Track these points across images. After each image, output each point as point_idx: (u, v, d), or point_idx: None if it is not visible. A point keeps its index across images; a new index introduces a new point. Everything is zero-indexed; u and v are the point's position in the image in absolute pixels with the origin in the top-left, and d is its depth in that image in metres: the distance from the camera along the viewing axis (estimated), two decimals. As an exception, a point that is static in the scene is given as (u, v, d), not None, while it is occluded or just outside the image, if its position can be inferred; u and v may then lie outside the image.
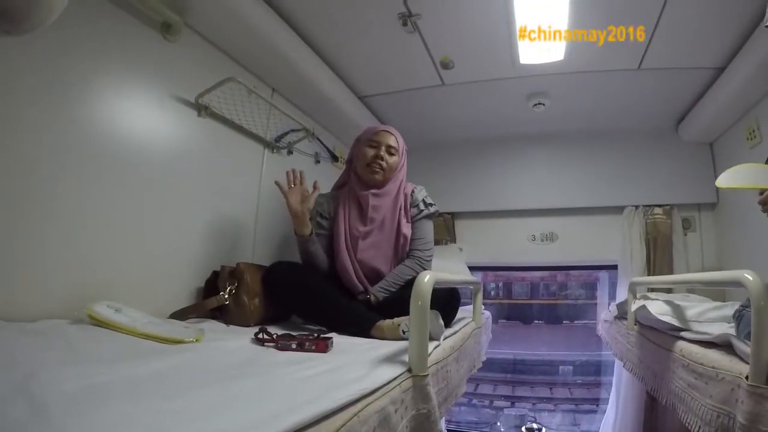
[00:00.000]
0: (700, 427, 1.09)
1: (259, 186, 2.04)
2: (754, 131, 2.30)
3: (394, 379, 0.86)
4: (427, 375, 0.95)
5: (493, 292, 10.26)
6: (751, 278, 0.93)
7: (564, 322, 10.43)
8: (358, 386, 0.74)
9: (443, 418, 3.07)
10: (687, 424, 1.20)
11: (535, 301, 10.68)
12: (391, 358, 0.98)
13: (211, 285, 1.66)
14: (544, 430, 2.70)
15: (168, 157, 1.57)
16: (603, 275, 3.41)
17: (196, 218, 1.69)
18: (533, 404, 7.00)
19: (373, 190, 1.83)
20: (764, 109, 2.21)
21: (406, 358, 0.97)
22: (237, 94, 1.76)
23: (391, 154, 1.84)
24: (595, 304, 2.67)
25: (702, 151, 2.93)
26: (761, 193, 1.28)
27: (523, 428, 2.74)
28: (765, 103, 2.19)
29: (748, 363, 0.91)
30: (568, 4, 1.82)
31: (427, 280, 0.95)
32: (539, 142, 3.19)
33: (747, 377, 0.89)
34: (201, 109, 1.67)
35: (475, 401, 7.11)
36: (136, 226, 1.43)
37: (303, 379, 0.80)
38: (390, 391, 0.81)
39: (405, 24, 1.92)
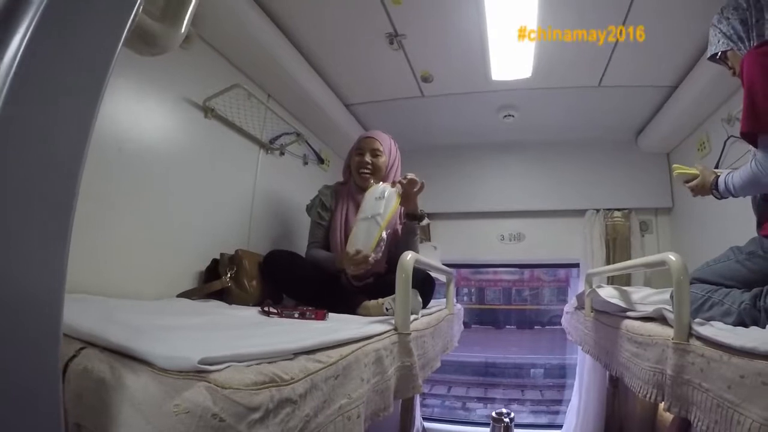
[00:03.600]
0: (641, 386, 1.29)
1: (254, 183, 2.21)
2: (704, 143, 2.56)
3: (385, 332, 1.07)
4: (410, 333, 1.16)
5: (466, 298, 10.48)
6: (673, 258, 1.15)
7: (535, 326, 10.64)
8: (359, 332, 0.94)
9: (420, 411, 3.26)
10: (632, 388, 1.40)
11: (507, 306, 10.89)
12: (380, 322, 1.18)
13: (212, 272, 1.80)
14: (512, 414, 2.90)
15: (177, 154, 1.72)
16: (574, 281, 3.63)
17: (199, 210, 1.83)
18: (505, 405, 7.18)
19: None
20: (713, 123, 2.44)
21: (392, 321, 1.17)
22: (239, 99, 1.94)
23: (377, 156, 1.98)
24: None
25: (659, 161, 3.21)
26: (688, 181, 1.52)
27: (493, 413, 2.94)
28: (713, 118, 2.43)
29: (674, 327, 1.12)
30: (535, 25, 2.02)
31: (409, 258, 1.20)
32: (509, 150, 3.42)
33: (672, 338, 1.09)
34: (207, 111, 1.84)
35: (447, 403, 7.28)
36: (145, 216, 1.56)
37: (314, 329, 1.00)
38: (382, 340, 1.02)
39: (391, 42, 2.13)
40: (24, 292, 0.39)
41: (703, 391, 0.97)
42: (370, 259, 1.68)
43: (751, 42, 1.28)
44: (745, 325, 1.12)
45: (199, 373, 0.51)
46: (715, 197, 1.45)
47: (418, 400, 3.16)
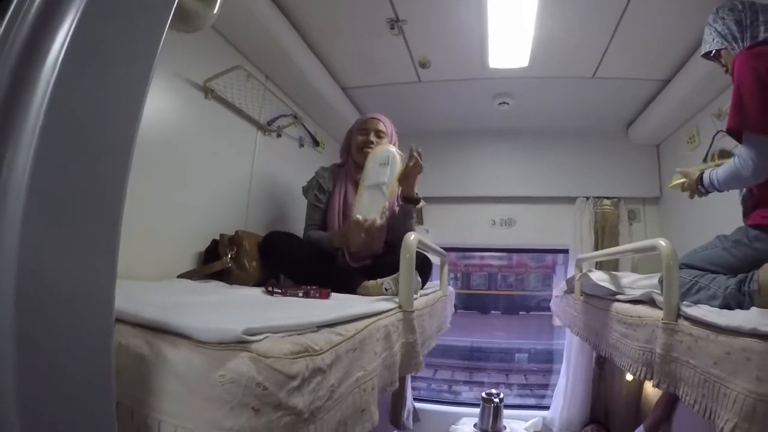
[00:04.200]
0: (630, 365, 1.37)
1: (252, 164, 2.21)
2: (694, 136, 2.62)
3: (391, 309, 1.11)
4: (413, 311, 1.20)
5: (452, 282, 10.51)
6: (663, 244, 1.21)
7: (521, 312, 10.73)
8: (369, 308, 0.98)
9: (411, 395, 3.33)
10: (621, 367, 1.48)
11: (493, 291, 10.97)
12: (385, 300, 1.22)
13: (212, 252, 1.81)
14: (502, 395, 2.98)
15: (177, 133, 1.71)
16: (560, 268, 3.71)
17: (198, 191, 1.83)
18: (492, 387, 7.26)
19: None
20: (703, 117, 2.49)
21: (396, 299, 1.22)
22: (239, 80, 1.94)
23: (380, 137, 2.00)
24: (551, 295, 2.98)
25: (649, 152, 3.28)
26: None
27: (483, 394, 3.01)
28: (704, 112, 2.48)
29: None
30: (535, 16, 2.06)
31: (413, 238, 1.24)
32: (503, 137, 3.46)
33: (662, 318, 1.16)
34: (208, 92, 1.83)
35: (434, 386, 7.38)
36: (145, 196, 1.54)
37: (325, 306, 1.03)
38: (389, 317, 1.06)
39: (392, 28, 2.14)
40: (88, 281, 0.42)
41: (690, 368, 1.03)
42: (377, 223, 1.71)
43: (745, 42, 1.33)
44: (730, 308, 1.17)
45: (240, 343, 0.54)
46: (700, 192, 1.51)
47: (409, 380, 3.22)
